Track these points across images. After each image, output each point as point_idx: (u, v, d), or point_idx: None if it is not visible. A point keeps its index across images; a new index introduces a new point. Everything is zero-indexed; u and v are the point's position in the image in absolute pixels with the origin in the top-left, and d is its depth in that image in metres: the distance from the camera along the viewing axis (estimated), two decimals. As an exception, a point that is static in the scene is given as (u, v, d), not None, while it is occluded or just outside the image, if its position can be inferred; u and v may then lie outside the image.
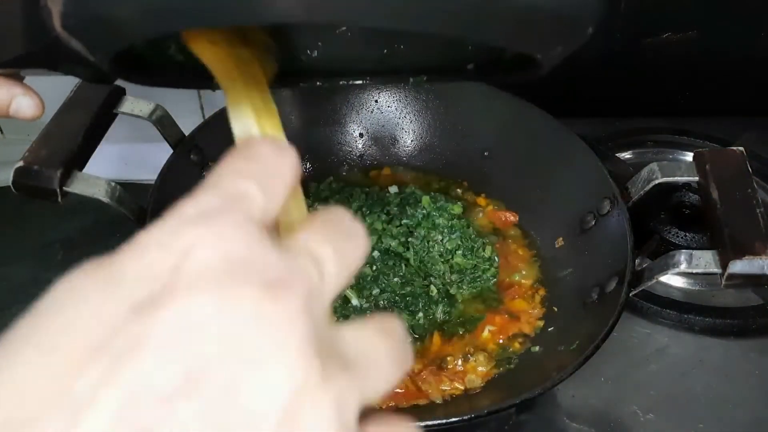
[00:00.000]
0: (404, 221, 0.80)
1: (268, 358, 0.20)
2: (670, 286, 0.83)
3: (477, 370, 0.70)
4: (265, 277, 0.21)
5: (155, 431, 0.19)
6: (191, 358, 0.20)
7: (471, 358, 0.70)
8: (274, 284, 0.21)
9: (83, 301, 0.21)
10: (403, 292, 0.75)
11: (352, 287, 0.74)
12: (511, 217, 0.84)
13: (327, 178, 0.86)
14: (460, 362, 0.70)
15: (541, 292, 0.77)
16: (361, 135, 0.89)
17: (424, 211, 0.80)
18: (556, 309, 0.75)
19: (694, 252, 0.64)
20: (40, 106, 0.51)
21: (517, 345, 0.73)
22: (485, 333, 0.74)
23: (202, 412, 0.19)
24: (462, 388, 0.69)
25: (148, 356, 0.20)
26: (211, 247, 0.22)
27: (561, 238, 0.80)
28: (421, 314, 0.73)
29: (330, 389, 0.21)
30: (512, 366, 0.71)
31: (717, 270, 0.63)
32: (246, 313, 0.21)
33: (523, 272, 0.79)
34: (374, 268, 0.76)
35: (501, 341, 0.73)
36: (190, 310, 0.20)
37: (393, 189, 0.84)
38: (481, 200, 0.87)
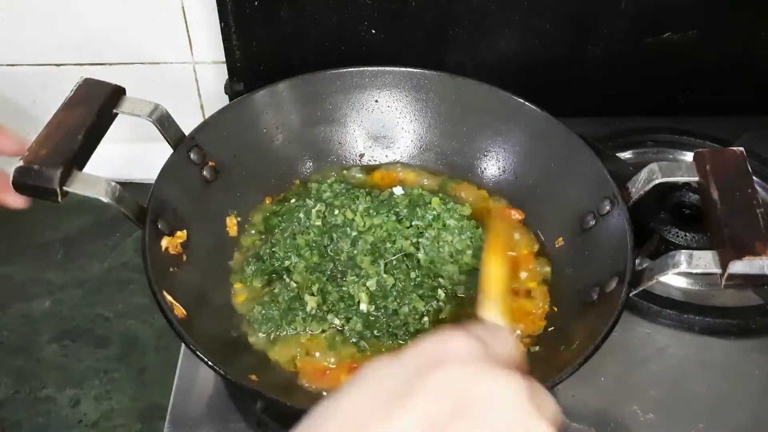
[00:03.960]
0: (414, 222, 0.80)
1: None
2: (670, 286, 0.83)
3: None
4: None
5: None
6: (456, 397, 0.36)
7: None
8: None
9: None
10: (410, 298, 0.75)
11: (366, 292, 0.74)
12: (518, 215, 0.84)
13: (327, 178, 0.86)
14: None
15: (544, 291, 0.77)
16: (361, 135, 0.89)
17: (435, 212, 0.80)
18: (556, 309, 0.75)
19: (694, 252, 0.64)
20: (21, 145, 0.63)
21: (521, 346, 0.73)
22: None
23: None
24: None
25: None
26: (464, 345, 0.39)
27: (561, 238, 0.79)
28: (426, 319, 0.73)
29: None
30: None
31: (717, 270, 0.63)
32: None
33: (527, 273, 0.79)
34: (394, 276, 0.76)
35: None
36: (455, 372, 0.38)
37: (398, 190, 0.84)
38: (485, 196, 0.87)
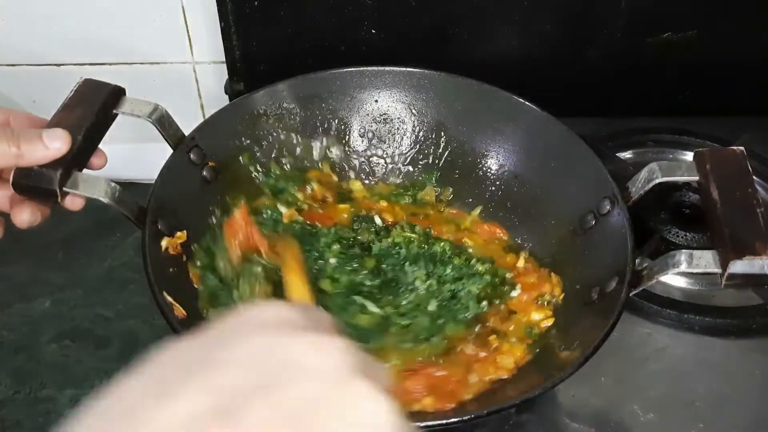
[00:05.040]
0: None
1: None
2: (670, 286, 0.83)
3: (511, 353, 0.71)
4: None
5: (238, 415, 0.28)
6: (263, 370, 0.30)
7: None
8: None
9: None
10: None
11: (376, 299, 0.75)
12: (502, 234, 0.84)
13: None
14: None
15: (547, 296, 0.77)
16: (361, 134, 0.89)
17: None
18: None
19: (695, 252, 0.64)
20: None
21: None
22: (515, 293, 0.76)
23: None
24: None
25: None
26: (274, 313, 0.35)
27: (561, 238, 0.79)
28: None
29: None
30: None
31: (717, 270, 0.63)
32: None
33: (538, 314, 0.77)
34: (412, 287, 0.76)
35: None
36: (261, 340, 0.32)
37: (377, 220, 0.84)
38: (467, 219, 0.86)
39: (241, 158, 0.82)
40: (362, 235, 0.81)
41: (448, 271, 0.78)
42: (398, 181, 0.90)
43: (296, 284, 0.61)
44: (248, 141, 0.83)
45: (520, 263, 0.80)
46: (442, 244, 0.81)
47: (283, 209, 0.82)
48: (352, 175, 0.89)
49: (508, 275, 0.79)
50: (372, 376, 0.32)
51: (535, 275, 0.78)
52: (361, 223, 0.83)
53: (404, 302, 0.75)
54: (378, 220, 0.84)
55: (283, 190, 0.84)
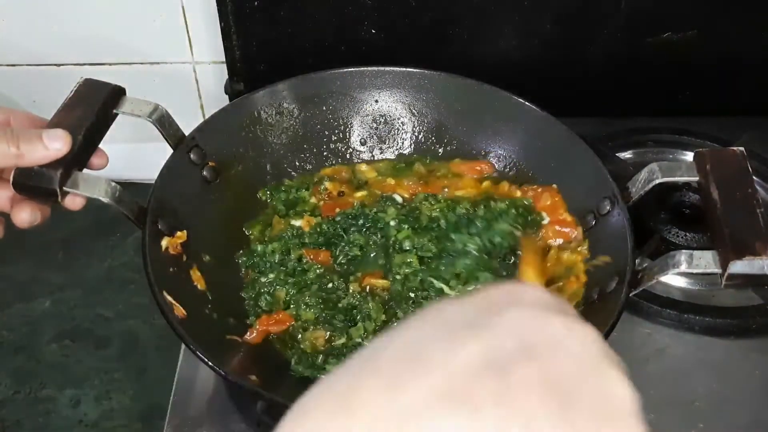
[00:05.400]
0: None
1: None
2: (670, 286, 0.82)
3: None
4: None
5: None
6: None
7: None
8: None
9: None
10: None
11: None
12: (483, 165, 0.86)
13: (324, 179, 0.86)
14: None
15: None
16: (361, 135, 0.89)
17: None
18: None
19: (695, 252, 0.64)
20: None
21: None
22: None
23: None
24: None
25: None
26: (533, 292, 0.37)
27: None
28: None
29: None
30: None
31: (717, 270, 0.63)
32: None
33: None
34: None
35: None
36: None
37: (398, 197, 0.84)
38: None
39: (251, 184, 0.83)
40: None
41: (479, 224, 0.79)
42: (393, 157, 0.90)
43: (531, 276, 0.69)
44: (253, 153, 0.83)
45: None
46: (462, 204, 0.81)
47: (297, 222, 0.81)
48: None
49: (527, 202, 0.81)
50: (618, 364, 0.35)
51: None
52: (385, 202, 0.83)
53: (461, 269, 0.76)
54: (398, 198, 0.84)
55: (296, 201, 0.84)
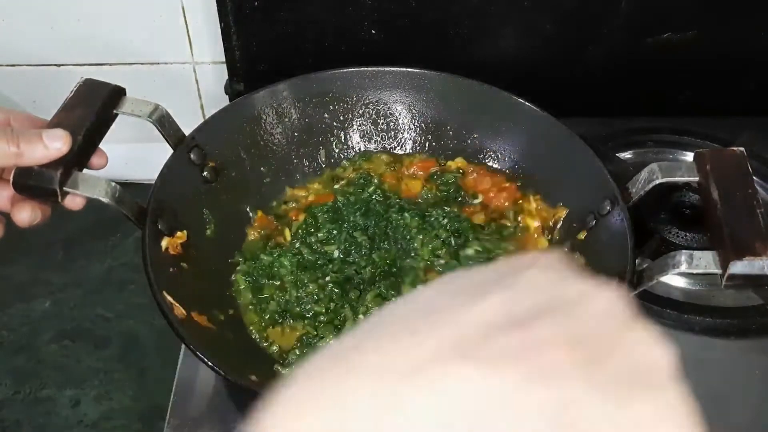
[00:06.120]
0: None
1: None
2: (670, 286, 0.82)
3: None
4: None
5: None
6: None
7: None
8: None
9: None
10: None
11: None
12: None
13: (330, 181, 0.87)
14: None
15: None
16: (361, 135, 0.89)
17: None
18: None
19: (695, 252, 0.64)
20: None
21: None
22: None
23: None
24: None
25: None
26: (555, 256, 0.36)
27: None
28: None
29: None
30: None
31: (717, 270, 0.63)
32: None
33: None
34: None
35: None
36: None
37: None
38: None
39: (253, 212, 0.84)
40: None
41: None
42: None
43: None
44: (253, 153, 0.83)
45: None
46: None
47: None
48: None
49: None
50: (649, 325, 0.33)
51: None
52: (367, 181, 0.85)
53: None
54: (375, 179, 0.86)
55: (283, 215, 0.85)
